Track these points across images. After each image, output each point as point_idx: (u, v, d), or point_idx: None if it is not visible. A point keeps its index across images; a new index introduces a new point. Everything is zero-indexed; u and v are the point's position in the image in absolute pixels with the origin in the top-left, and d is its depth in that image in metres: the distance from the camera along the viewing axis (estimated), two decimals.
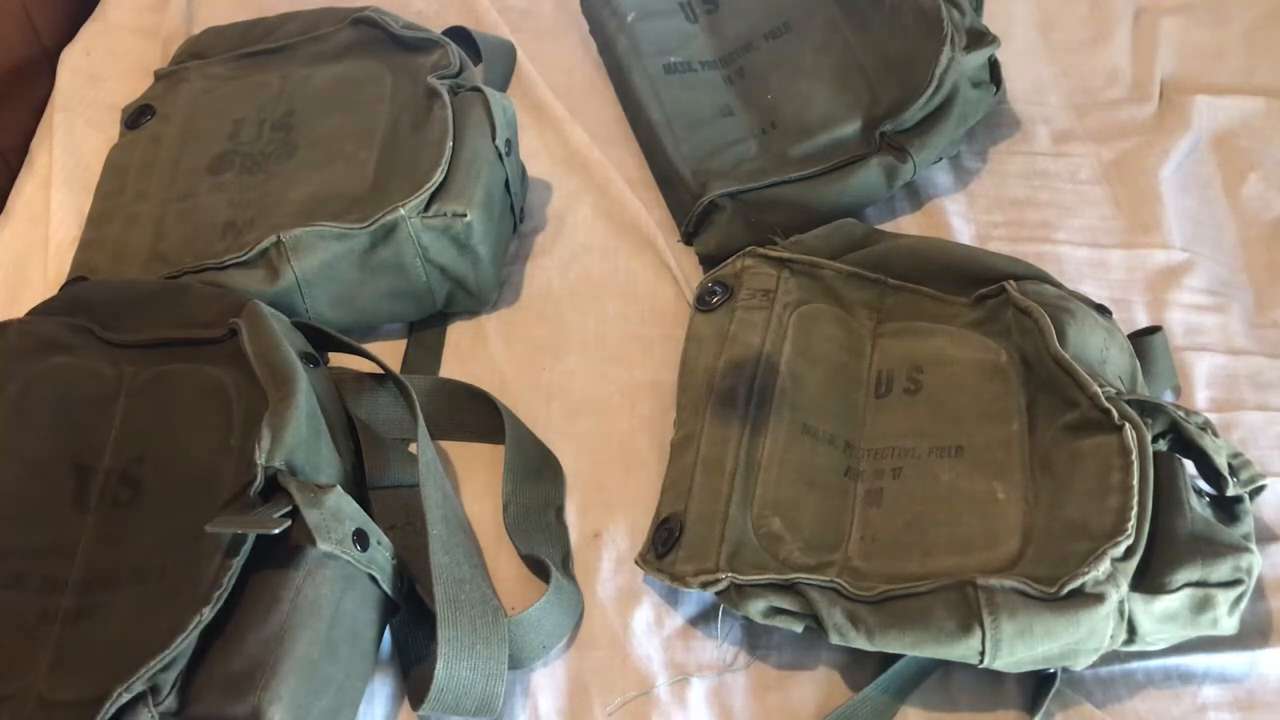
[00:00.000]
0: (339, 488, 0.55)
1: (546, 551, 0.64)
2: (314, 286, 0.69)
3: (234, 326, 0.62)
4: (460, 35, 0.90)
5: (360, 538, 0.55)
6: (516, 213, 0.78)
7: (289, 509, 0.53)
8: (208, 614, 0.51)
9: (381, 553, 0.57)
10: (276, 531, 0.52)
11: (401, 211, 0.68)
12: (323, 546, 0.53)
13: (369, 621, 0.57)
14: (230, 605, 0.52)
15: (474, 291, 0.74)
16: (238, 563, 0.52)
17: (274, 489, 0.55)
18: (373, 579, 0.57)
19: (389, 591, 0.57)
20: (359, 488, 0.64)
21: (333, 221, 0.69)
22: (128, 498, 0.58)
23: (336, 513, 0.54)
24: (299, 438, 0.56)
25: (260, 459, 0.54)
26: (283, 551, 0.54)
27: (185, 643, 0.50)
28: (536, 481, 0.67)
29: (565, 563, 0.65)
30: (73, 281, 0.72)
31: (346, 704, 0.56)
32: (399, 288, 0.71)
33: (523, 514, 0.66)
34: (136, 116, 0.82)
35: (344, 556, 0.54)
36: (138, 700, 0.49)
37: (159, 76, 0.85)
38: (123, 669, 0.50)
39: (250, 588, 0.53)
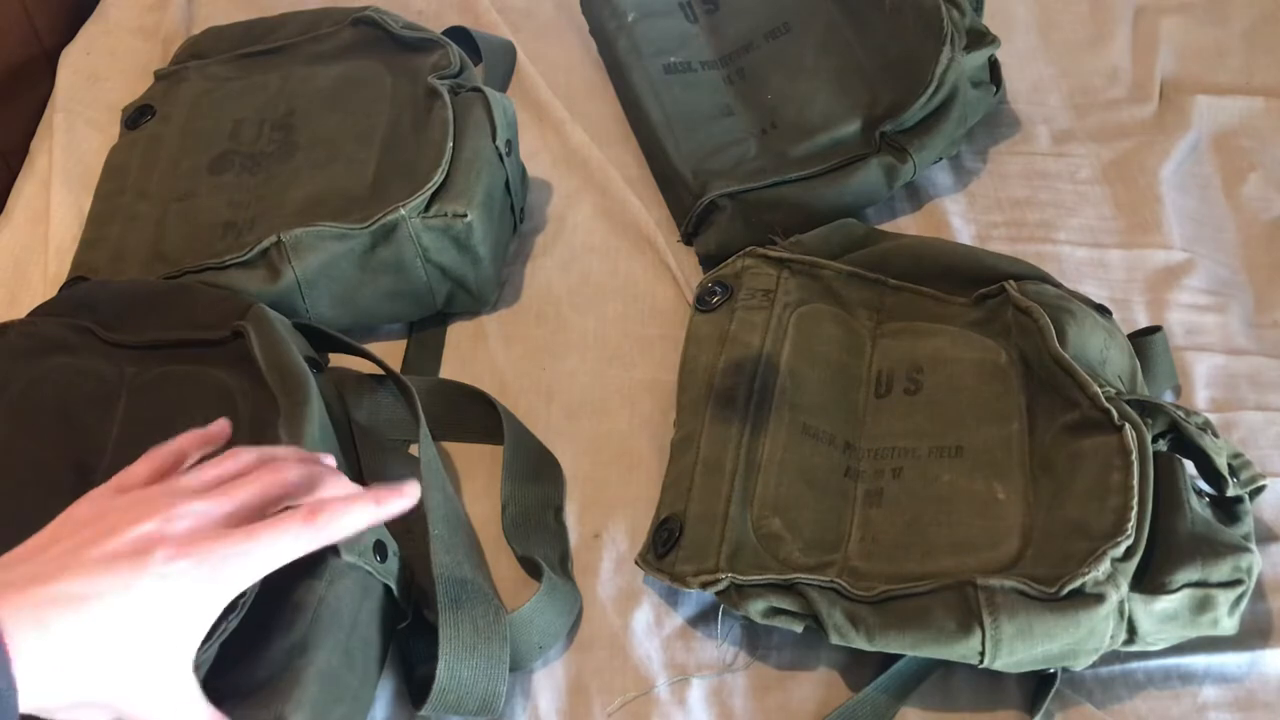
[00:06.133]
0: None
1: (544, 552, 0.64)
2: (314, 287, 0.69)
3: (239, 329, 0.62)
4: (460, 35, 0.90)
5: (380, 549, 0.55)
6: (516, 213, 0.78)
7: None
8: (233, 622, 0.50)
9: (395, 563, 0.57)
10: None
11: (402, 212, 0.68)
12: (346, 557, 0.53)
13: (378, 631, 0.57)
14: (251, 614, 0.51)
15: (474, 291, 0.74)
16: None
17: None
18: (387, 589, 0.57)
19: (401, 601, 0.57)
20: None
21: (333, 221, 0.69)
22: None
23: None
24: (314, 446, 0.56)
25: None
26: (304, 561, 0.53)
27: (209, 651, 0.49)
28: (536, 482, 0.67)
29: (564, 563, 0.65)
30: (73, 281, 0.72)
31: (358, 711, 0.56)
32: (399, 288, 0.71)
33: (522, 515, 0.66)
34: (136, 116, 0.82)
35: (365, 567, 0.54)
36: None
37: (159, 76, 0.85)
38: None
39: (272, 597, 0.52)
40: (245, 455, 0.48)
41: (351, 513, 0.47)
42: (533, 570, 0.63)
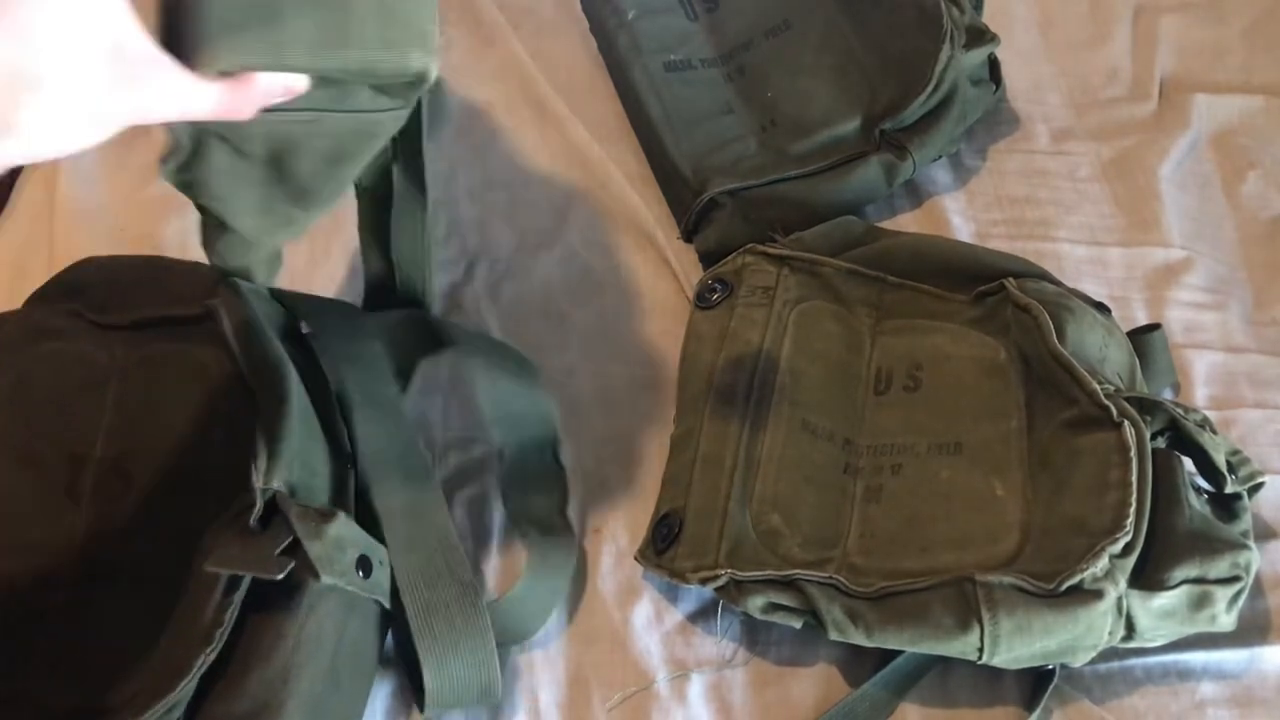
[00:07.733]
0: (342, 514, 0.53)
1: (540, 503, 0.62)
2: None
3: (211, 309, 0.59)
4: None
5: (363, 564, 0.53)
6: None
7: (290, 540, 0.51)
8: (211, 655, 0.49)
9: (383, 572, 0.55)
10: (280, 576, 0.50)
11: None
12: (326, 580, 0.51)
13: (370, 640, 0.56)
14: (231, 643, 0.50)
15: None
16: (238, 598, 0.50)
17: (273, 511, 0.52)
18: (374, 601, 0.55)
19: (389, 607, 0.56)
20: (345, 468, 0.60)
21: None
22: (119, 490, 0.56)
23: (339, 542, 0.52)
24: (293, 450, 0.53)
25: (258, 481, 0.51)
26: (284, 585, 0.51)
27: (187, 687, 0.48)
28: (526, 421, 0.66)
29: (563, 510, 0.64)
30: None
31: None
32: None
33: (519, 462, 0.64)
34: None
35: (348, 588, 0.52)
36: None
37: None
38: (122, 678, 0.49)
39: (251, 625, 0.51)
40: None
41: None
42: (524, 532, 0.63)
